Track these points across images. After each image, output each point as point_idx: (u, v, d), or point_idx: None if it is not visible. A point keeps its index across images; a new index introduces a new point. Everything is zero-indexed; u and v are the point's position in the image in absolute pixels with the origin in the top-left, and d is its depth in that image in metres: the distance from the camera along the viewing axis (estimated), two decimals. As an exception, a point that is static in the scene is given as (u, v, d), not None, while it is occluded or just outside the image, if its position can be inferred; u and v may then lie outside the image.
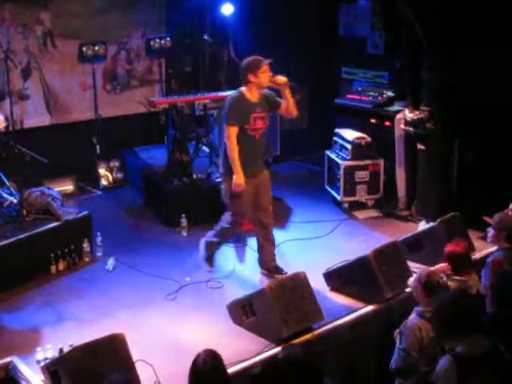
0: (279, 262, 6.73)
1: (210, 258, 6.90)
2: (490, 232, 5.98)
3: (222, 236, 6.81)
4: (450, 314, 4.27)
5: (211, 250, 6.88)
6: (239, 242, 7.51)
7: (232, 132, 6.22)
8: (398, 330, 5.07)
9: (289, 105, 6.40)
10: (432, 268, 5.44)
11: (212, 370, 4.01)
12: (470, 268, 5.74)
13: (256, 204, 6.57)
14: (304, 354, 4.00)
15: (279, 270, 6.68)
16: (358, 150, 8.38)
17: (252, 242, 7.50)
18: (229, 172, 6.33)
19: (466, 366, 4.14)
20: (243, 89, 6.33)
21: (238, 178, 6.23)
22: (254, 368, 5.11)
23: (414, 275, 5.27)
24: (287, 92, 6.34)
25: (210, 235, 6.86)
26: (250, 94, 6.30)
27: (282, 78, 6.27)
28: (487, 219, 6.05)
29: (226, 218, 6.66)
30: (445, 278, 5.41)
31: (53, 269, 6.82)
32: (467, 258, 5.86)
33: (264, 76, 6.22)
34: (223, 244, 7.02)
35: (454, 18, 7.28)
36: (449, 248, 5.76)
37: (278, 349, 5.23)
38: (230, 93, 8.78)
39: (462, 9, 7.19)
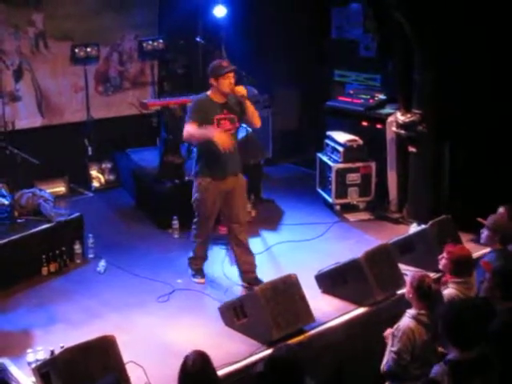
0: (271, 264, 6.71)
1: (199, 272, 6.78)
2: (484, 233, 5.95)
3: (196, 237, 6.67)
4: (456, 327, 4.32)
5: (195, 265, 6.78)
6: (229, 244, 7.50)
7: (190, 126, 6.11)
8: (389, 332, 5.08)
9: (248, 116, 6.28)
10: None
11: (201, 371, 4.01)
12: (471, 271, 5.71)
13: (228, 214, 6.45)
14: (288, 353, 4.01)
15: (259, 282, 6.28)
16: (350, 152, 8.38)
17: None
18: (196, 175, 6.36)
19: (458, 372, 4.17)
20: (209, 92, 6.27)
21: (211, 132, 6.03)
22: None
23: (407, 278, 5.27)
24: (247, 104, 6.22)
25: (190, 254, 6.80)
26: (215, 96, 6.22)
27: (241, 90, 6.18)
28: (481, 220, 6.04)
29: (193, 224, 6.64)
30: (451, 285, 5.41)
31: (44, 271, 6.80)
32: (472, 261, 5.79)
33: (225, 83, 6.12)
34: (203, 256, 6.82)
35: (444, 20, 7.30)
36: (454, 251, 5.57)
37: (269, 350, 5.24)
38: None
39: (452, 11, 7.21)
